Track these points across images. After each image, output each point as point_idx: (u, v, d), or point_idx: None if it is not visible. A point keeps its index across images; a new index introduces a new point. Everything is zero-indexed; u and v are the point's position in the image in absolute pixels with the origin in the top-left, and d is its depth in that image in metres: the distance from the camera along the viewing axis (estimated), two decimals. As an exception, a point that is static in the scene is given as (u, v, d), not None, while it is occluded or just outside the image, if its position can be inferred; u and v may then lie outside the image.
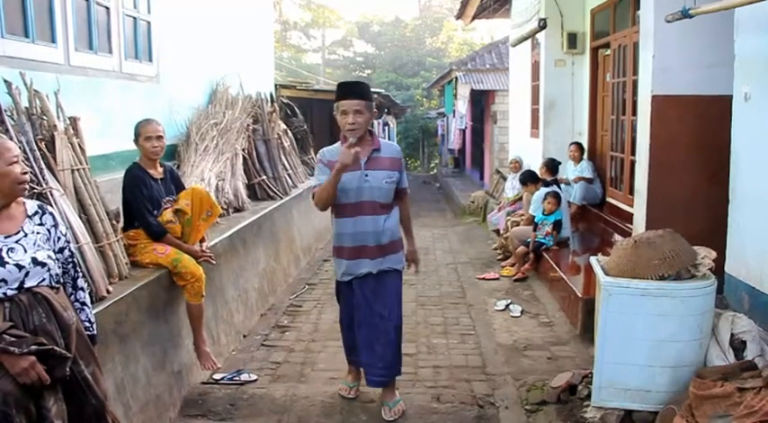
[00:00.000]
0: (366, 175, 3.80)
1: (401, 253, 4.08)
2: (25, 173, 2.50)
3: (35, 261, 2.43)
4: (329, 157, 3.87)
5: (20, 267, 2.38)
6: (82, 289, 2.74)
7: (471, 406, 4.20)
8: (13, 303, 2.36)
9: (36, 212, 2.57)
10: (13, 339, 2.27)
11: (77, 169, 3.99)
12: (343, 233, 3.91)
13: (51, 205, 3.50)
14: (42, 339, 2.34)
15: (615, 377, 3.66)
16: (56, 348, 2.34)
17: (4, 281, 2.34)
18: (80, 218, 3.84)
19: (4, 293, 2.34)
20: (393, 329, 3.99)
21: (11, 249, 2.40)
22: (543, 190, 7.71)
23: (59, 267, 2.57)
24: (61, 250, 2.61)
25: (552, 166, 8.39)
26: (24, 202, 2.59)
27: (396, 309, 4.02)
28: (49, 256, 2.50)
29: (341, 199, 3.80)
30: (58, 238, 2.61)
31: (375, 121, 21.29)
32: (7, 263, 2.36)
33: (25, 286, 2.39)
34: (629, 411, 3.66)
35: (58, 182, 3.79)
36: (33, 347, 2.28)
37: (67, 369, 2.44)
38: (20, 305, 2.37)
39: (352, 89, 3.82)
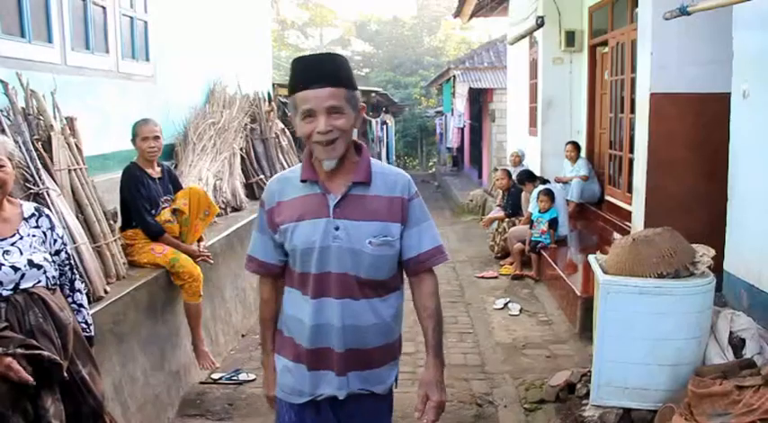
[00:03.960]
0: (336, 228, 2.06)
1: (393, 365, 2.31)
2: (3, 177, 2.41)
3: (31, 263, 2.42)
4: (278, 198, 2.16)
5: (15, 269, 2.37)
6: (79, 291, 2.73)
7: (470, 405, 4.20)
8: (8, 303, 2.35)
9: (32, 215, 2.56)
10: None
11: (74, 169, 3.98)
12: (294, 318, 2.17)
13: (48, 205, 3.49)
14: (33, 342, 2.33)
15: (614, 375, 3.65)
16: (43, 353, 2.32)
17: (0, 282, 2.33)
18: (77, 218, 3.83)
19: (0, 294, 2.34)
20: None
21: (6, 252, 2.39)
22: (538, 188, 7.70)
23: (56, 270, 2.56)
24: (58, 253, 2.60)
25: (528, 177, 8.27)
26: (21, 205, 2.57)
27: None
28: (45, 259, 2.49)
29: (295, 263, 2.14)
30: (55, 241, 2.60)
31: (373, 121, 21.32)
32: (2, 264, 2.35)
33: (21, 287, 2.38)
34: (628, 410, 3.66)
35: (55, 182, 3.77)
36: (19, 350, 2.27)
37: (65, 372, 2.43)
38: (16, 305, 2.36)
39: (321, 70, 2.00)
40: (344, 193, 2.08)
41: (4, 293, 2.35)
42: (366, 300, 2.12)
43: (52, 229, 2.60)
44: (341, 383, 2.14)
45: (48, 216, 2.62)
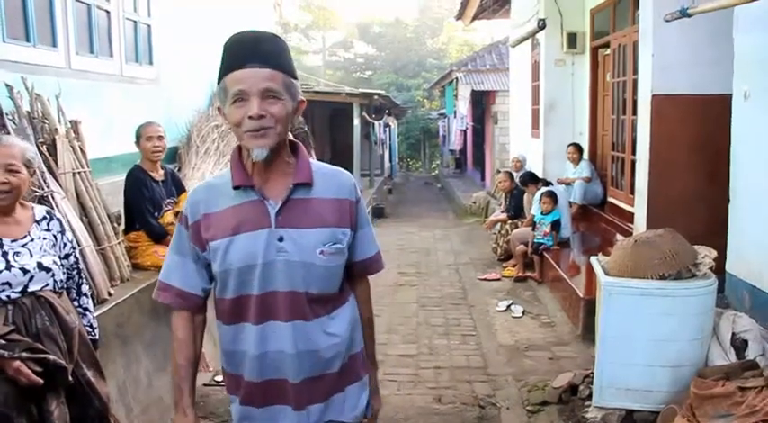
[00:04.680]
0: (280, 239, 1.78)
1: (361, 386, 2.01)
2: (4, 183, 2.42)
3: (40, 266, 2.45)
4: (205, 209, 1.84)
5: (25, 271, 2.40)
6: (85, 295, 2.77)
7: (473, 406, 4.21)
8: (16, 306, 2.38)
9: (44, 218, 2.60)
10: (3, 342, 2.29)
11: (79, 172, 4.00)
12: (237, 352, 1.88)
13: (53, 208, 3.51)
14: (38, 345, 2.36)
15: (616, 377, 3.66)
16: (49, 357, 2.35)
17: (8, 284, 2.36)
18: (81, 221, 3.85)
19: (8, 296, 2.36)
20: None
21: (17, 253, 2.42)
22: (541, 190, 7.71)
23: (64, 273, 2.59)
24: (67, 256, 2.64)
25: (531, 179, 8.32)
26: (33, 207, 2.61)
27: None
28: (55, 262, 2.52)
29: (227, 286, 1.84)
30: (64, 245, 2.63)
31: (376, 123, 21.32)
32: (13, 266, 2.38)
33: (29, 290, 2.41)
34: (631, 411, 3.66)
35: (60, 185, 3.80)
36: (24, 354, 2.30)
37: (70, 375, 2.45)
38: (23, 308, 2.39)
39: (258, 48, 1.73)
40: (286, 197, 1.78)
41: (12, 296, 2.37)
42: (317, 319, 1.85)
43: (62, 232, 2.64)
44: (300, 419, 1.86)
45: (59, 220, 2.66)
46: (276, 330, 1.81)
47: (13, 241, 2.44)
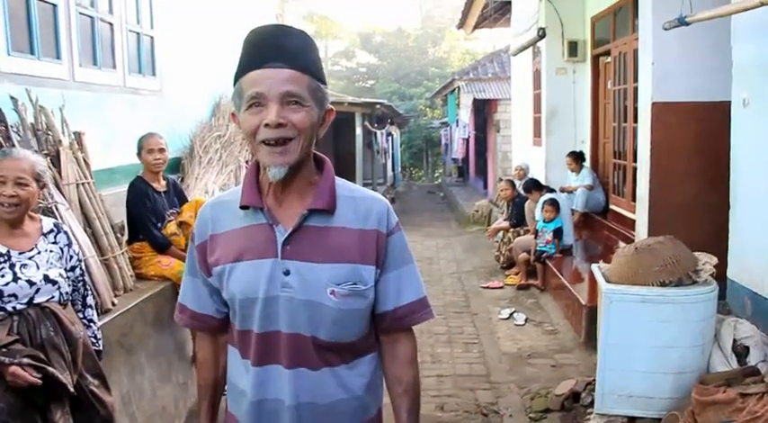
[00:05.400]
0: (286, 273, 1.52)
1: None
2: (13, 196, 2.45)
3: (47, 278, 2.48)
4: (212, 229, 1.61)
5: (31, 284, 2.43)
6: (90, 306, 2.80)
7: (475, 414, 4.21)
8: (21, 317, 2.41)
9: (51, 231, 2.63)
10: (5, 350, 2.31)
11: (82, 183, 4.03)
12: (235, 388, 1.66)
13: (57, 220, 3.54)
14: (40, 355, 2.38)
15: (618, 384, 3.66)
16: (48, 369, 2.37)
17: (15, 296, 2.39)
18: (85, 231, 3.88)
19: (14, 308, 2.39)
20: None
21: (24, 265, 2.45)
22: (544, 197, 7.73)
23: (69, 285, 2.62)
24: (72, 269, 2.67)
25: (534, 186, 8.33)
26: (41, 220, 2.64)
27: None
28: (60, 275, 2.55)
29: (235, 315, 1.61)
30: (71, 257, 2.67)
31: (378, 132, 21.40)
32: (20, 278, 2.41)
33: (34, 302, 2.44)
34: (633, 418, 3.67)
35: (63, 196, 3.83)
36: (24, 360, 2.32)
37: (73, 386, 2.47)
38: (28, 319, 2.42)
39: (280, 46, 1.47)
40: (298, 223, 1.51)
41: (18, 307, 2.40)
42: (329, 368, 1.55)
43: (69, 245, 2.67)
44: None
45: (66, 232, 2.69)
46: (276, 376, 1.54)
47: (20, 253, 2.47)
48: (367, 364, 1.62)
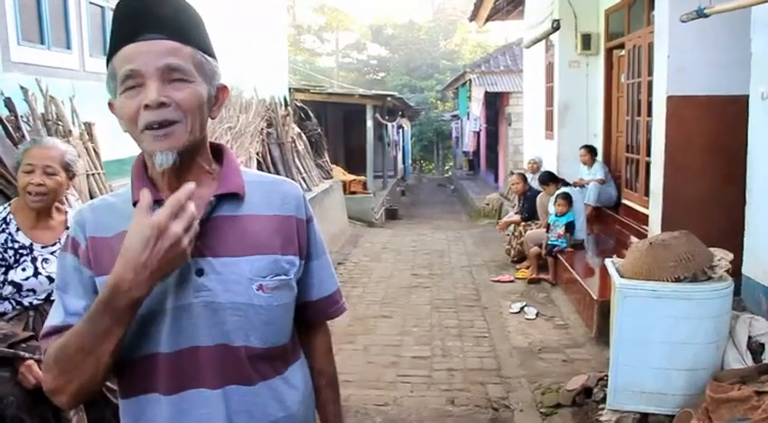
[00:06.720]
0: (199, 273, 1.26)
1: None
2: (40, 185, 2.42)
3: None
4: (92, 231, 1.31)
5: (51, 280, 2.41)
6: None
7: (486, 409, 4.19)
8: (37, 312, 2.40)
9: None
10: (24, 346, 2.31)
11: (92, 174, 4.03)
12: None
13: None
14: None
15: (631, 380, 3.63)
16: None
17: (33, 291, 2.38)
18: (95, 222, 3.87)
19: (30, 302, 2.38)
20: None
21: (45, 260, 2.43)
22: (558, 191, 7.68)
23: None
24: None
25: (550, 178, 8.25)
26: (66, 212, 2.61)
27: None
28: None
29: (134, 336, 1.24)
30: None
31: (389, 125, 21.36)
32: (40, 273, 2.40)
33: (52, 298, 2.43)
34: (645, 414, 3.63)
35: (74, 187, 3.82)
36: (38, 355, 2.31)
37: None
38: (44, 314, 2.40)
39: (155, 14, 1.23)
40: (206, 214, 1.27)
41: (35, 302, 2.39)
42: (264, 382, 1.32)
43: None
44: None
45: None
46: (200, 402, 1.26)
47: (43, 247, 2.45)
48: (298, 371, 1.42)
